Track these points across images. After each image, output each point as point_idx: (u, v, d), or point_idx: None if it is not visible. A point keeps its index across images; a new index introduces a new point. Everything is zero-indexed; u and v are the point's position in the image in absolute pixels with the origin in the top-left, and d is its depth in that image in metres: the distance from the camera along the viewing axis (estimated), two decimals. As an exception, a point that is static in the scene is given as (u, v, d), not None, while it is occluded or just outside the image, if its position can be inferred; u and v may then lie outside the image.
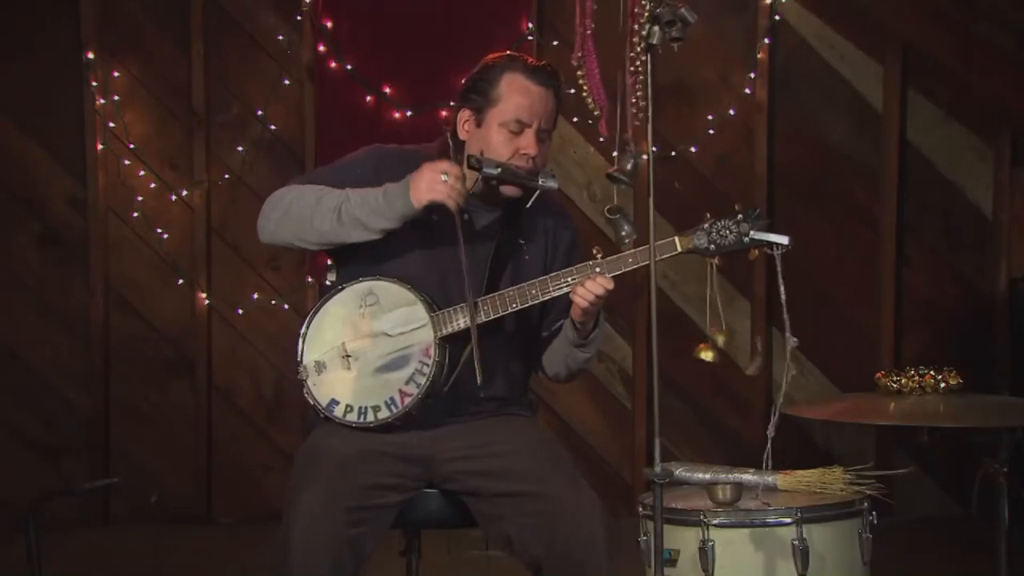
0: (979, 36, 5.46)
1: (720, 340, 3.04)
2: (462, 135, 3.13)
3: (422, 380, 3.00)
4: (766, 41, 5.51)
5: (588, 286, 2.97)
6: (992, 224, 5.56)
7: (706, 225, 2.98)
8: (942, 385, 3.07)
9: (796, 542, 2.83)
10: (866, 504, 2.95)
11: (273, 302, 5.54)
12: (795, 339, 3.00)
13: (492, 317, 3.02)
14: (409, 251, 3.09)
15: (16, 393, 5.60)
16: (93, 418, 5.59)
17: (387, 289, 3.05)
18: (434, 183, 2.94)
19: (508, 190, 3.07)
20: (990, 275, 5.56)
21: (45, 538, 3.14)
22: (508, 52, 3.17)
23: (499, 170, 3.01)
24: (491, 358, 3.05)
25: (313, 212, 3.02)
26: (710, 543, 2.84)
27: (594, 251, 3.03)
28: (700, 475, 3.09)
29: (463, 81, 3.15)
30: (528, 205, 3.07)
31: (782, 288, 2.90)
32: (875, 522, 2.95)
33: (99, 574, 4.92)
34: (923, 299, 5.61)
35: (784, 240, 2.96)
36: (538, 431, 3.20)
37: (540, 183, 3.02)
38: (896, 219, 5.56)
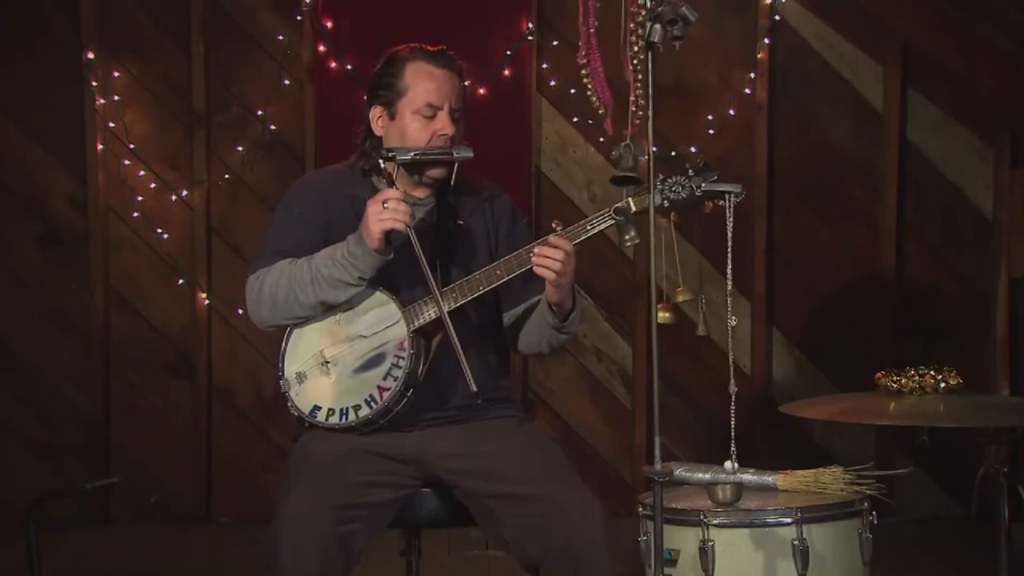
0: (979, 36, 5.45)
1: (680, 298, 3.05)
2: (377, 131, 3.22)
3: (399, 373, 3.05)
4: (766, 41, 5.51)
5: (545, 251, 3.02)
6: (992, 224, 5.56)
7: (658, 183, 3.01)
8: (942, 385, 3.07)
9: (796, 542, 2.83)
10: (866, 504, 2.95)
11: (273, 302, 5.54)
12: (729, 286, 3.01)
13: (463, 302, 3.09)
14: None
15: (16, 393, 5.60)
16: (93, 418, 5.59)
17: (359, 294, 3.12)
18: (379, 215, 3.01)
19: (433, 172, 3.16)
20: (990, 275, 5.56)
21: (45, 538, 3.14)
22: (407, 45, 3.24)
23: (412, 154, 3.11)
24: (462, 349, 3.08)
25: (293, 292, 3.11)
26: (710, 543, 2.84)
27: (553, 224, 3.10)
28: (700, 475, 3.10)
29: (370, 80, 3.26)
30: (452, 182, 3.15)
31: (730, 237, 2.89)
32: (875, 522, 2.95)
33: (99, 574, 4.92)
34: (923, 299, 5.61)
35: (737, 188, 2.98)
36: (530, 431, 3.21)
37: (454, 155, 3.13)
38: (896, 219, 5.56)
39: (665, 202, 3.01)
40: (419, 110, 3.15)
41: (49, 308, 5.61)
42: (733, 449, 2.88)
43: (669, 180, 3.01)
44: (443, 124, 3.15)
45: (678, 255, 2.91)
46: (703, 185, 2.99)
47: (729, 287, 2.97)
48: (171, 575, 4.94)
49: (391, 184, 3.09)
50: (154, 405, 5.63)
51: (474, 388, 2.96)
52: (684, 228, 3.10)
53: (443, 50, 3.22)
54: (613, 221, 3.05)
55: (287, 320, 3.16)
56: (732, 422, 2.84)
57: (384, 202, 3.00)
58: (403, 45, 3.24)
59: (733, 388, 2.84)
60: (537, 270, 3.03)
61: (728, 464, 2.93)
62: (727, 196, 2.98)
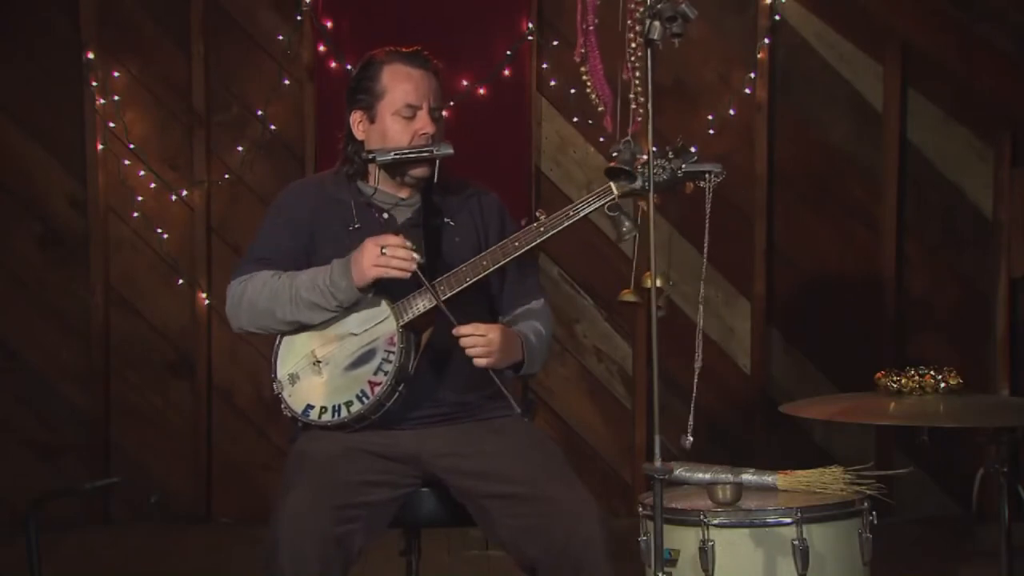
0: (979, 36, 5.45)
1: (647, 284, 3.04)
2: (359, 136, 3.26)
3: (389, 367, 3.06)
4: (766, 41, 5.51)
5: (464, 343, 3.04)
6: (992, 224, 5.56)
7: (640, 167, 3.00)
8: (942, 385, 3.07)
9: (796, 542, 2.83)
10: (866, 504, 2.95)
11: (273, 302, 5.54)
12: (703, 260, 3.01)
13: (450, 295, 3.09)
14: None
15: (16, 393, 5.60)
16: (93, 418, 5.59)
17: None
18: (376, 261, 3.02)
19: (416, 171, 3.17)
20: (990, 275, 5.56)
21: (45, 538, 3.14)
22: (383, 48, 3.27)
23: (392, 154, 3.13)
24: (454, 347, 3.10)
25: (272, 306, 3.14)
26: (710, 543, 2.84)
27: (537, 213, 3.13)
28: (700, 475, 3.10)
29: (348, 86, 3.28)
30: (435, 180, 3.16)
31: (707, 219, 2.89)
32: (875, 522, 2.95)
33: (99, 574, 4.92)
34: (923, 299, 5.61)
35: (717, 168, 2.97)
36: (528, 431, 3.21)
37: (435, 152, 3.14)
38: (896, 219, 5.56)
39: (647, 185, 3.00)
40: (399, 111, 3.18)
41: (49, 308, 5.60)
42: (691, 423, 2.87)
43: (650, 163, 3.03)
44: (423, 123, 3.17)
45: (653, 240, 2.89)
46: (683, 166, 2.99)
47: (704, 263, 2.99)
48: (171, 575, 4.94)
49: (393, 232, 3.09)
50: (154, 405, 5.63)
51: (518, 410, 3.07)
52: (666, 212, 3.09)
53: (418, 51, 3.25)
54: (596, 205, 3.05)
55: (263, 331, 3.21)
56: (693, 394, 2.83)
57: (383, 248, 3.01)
58: (379, 49, 3.27)
59: (698, 362, 2.84)
60: (477, 362, 3.06)
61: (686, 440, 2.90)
62: (707, 176, 2.97)
